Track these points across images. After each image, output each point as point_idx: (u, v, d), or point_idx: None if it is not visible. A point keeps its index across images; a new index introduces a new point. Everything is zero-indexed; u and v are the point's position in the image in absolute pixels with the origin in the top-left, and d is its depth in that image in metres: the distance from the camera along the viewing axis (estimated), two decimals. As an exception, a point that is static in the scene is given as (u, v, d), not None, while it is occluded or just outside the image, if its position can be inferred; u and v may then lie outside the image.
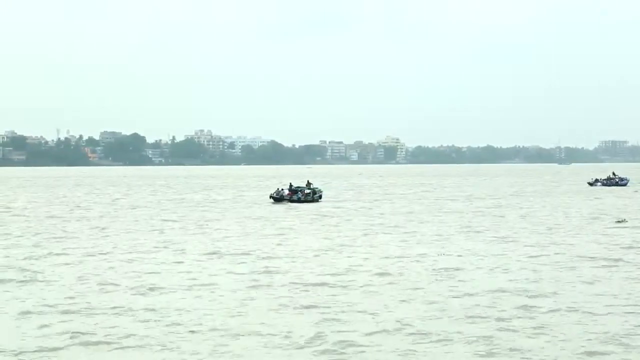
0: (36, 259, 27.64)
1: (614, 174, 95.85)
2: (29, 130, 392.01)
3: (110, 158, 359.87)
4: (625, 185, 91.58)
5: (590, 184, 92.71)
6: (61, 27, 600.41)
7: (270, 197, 64.91)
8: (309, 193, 65.84)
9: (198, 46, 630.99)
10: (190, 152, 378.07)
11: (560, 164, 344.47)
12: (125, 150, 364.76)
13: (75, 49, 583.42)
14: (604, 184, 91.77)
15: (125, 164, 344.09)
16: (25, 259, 27.72)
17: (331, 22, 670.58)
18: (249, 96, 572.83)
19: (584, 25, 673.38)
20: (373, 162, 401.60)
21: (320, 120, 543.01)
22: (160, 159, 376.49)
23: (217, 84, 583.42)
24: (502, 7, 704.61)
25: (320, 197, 66.72)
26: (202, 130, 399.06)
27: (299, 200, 63.92)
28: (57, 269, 25.17)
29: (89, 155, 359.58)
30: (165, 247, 31.28)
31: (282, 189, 66.67)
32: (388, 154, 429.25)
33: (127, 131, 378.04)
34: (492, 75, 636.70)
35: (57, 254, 29.06)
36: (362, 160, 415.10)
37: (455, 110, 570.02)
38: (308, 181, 70.60)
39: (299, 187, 67.30)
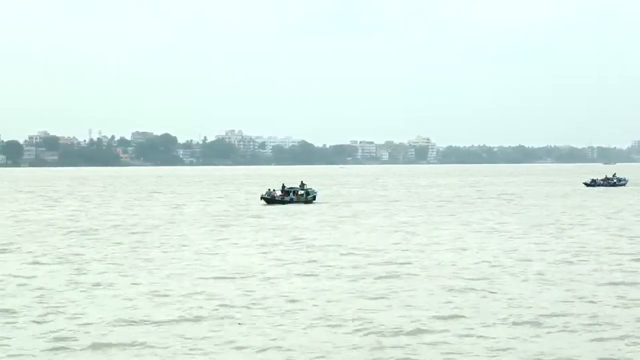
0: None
1: (614, 175, 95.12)
2: (62, 130, 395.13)
3: (141, 158, 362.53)
4: (624, 185, 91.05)
5: (587, 184, 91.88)
6: (89, 29, 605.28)
7: (262, 198, 64.04)
8: (302, 194, 65.58)
9: (228, 47, 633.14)
10: (221, 152, 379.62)
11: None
12: (157, 150, 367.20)
13: (105, 50, 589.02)
14: (601, 184, 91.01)
15: (156, 164, 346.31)
16: None
17: (361, 21, 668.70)
18: (279, 96, 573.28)
19: (616, 25, 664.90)
20: (404, 162, 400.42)
21: (351, 120, 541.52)
22: (191, 159, 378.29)
23: (248, 84, 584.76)
24: (534, 4, 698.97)
25: (314, 198, 66.10)
26: (232, 131, 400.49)
27: (291, 202, 63.63)
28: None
29: (121, 155, 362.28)
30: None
31: (274, 190, 66.26)
32: (419, 154, 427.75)
33: (158, 131, 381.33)
34: (524, 75, 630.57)
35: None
36: (393, 160, 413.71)
37: (486, 110, 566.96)
38: (302, 182, 70.06)
39: (292, 187, 66.83)
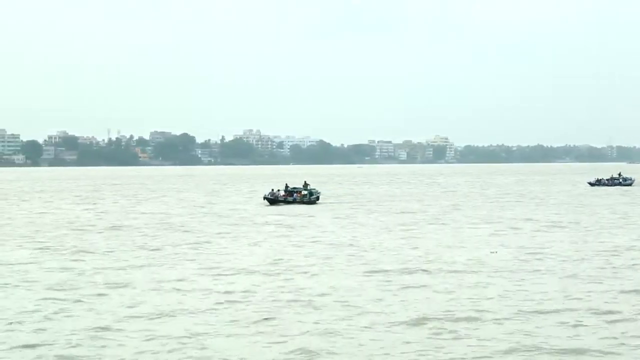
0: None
1: (619, 174, 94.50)
2: (80, 130, 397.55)
3: (160, 158, 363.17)
4: (630, 185, 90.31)
5: (592, 184, 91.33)
6: (105, 29, 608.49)
7: (264, 198, 63.97)
8: (306, 194, 65.45)
9: (246, 47, 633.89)
10: (239, 151, 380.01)
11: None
12: (175, 150, 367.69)
13: (124, 50, 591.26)
14: (606, 184, 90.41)
15: (174, 164, 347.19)
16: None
17: (377, 21, 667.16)
18: (297, 96, 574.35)
19: (632, 23, 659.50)
20: (422, 162, 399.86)
21: (369, 119, 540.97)
22: (209, 158, 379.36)
23: (266, 84, 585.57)
24: (561, 5, 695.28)
25: (317, 198, 65.92)
26: (250, 130, 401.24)
27: (294, 202, 63.56)
28: None
29: (139, 155, 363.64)
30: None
31: (279, 190, 66.21)
32: (437, 153, 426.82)
33: (176, 131, 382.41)
34: (541, 75, 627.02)
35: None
36: (411, 159, 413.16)
37: (504, 109, 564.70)
38: (305, 182, 70.02)
39: (295, 188, 66.64)
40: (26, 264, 28.47)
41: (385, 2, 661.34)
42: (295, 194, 64.56)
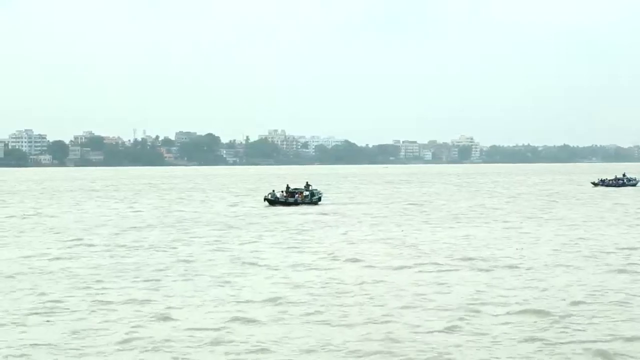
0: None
1: (624, 175, 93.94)
2: (106, 130, 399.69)
3: (185, 158, 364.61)
4: (634, 185, 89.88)
5: (595, 184, 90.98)
6: (128, 30, 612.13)
7: (265, 199, 63.62)
8: (307, 195, 64.98)
9: (271, 47, 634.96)
10: (264, 152, 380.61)
11: None
12: (200, 150, 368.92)
13: (148, 51, 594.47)
14: (609, 185, 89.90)
15: (200, 164, 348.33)
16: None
17: (402, 21, 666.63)
18: (322, 96, 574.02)
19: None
20: (447, 162, 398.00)
21: (394, 119, 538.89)
22: (234, 158, 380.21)
23: (291, 84, 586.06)
24: (589, 4, 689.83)
25: (319, 199, 65.30)
26: (275, 130, 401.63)
27: (295, 203, 63.06)
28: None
29: (165, 155, 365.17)
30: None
31: (282, 191, 65.48)
32: (462, 153, 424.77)
33: (201, 131, 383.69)
34: (567, 74, 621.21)
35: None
36: (436, 159, 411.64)
37: (530, 109, 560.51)
38: (307, 182, 69.56)
39: (296, 189, 66.02)
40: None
41: (412, 0, 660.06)
42: (296, 195, 63.98)
